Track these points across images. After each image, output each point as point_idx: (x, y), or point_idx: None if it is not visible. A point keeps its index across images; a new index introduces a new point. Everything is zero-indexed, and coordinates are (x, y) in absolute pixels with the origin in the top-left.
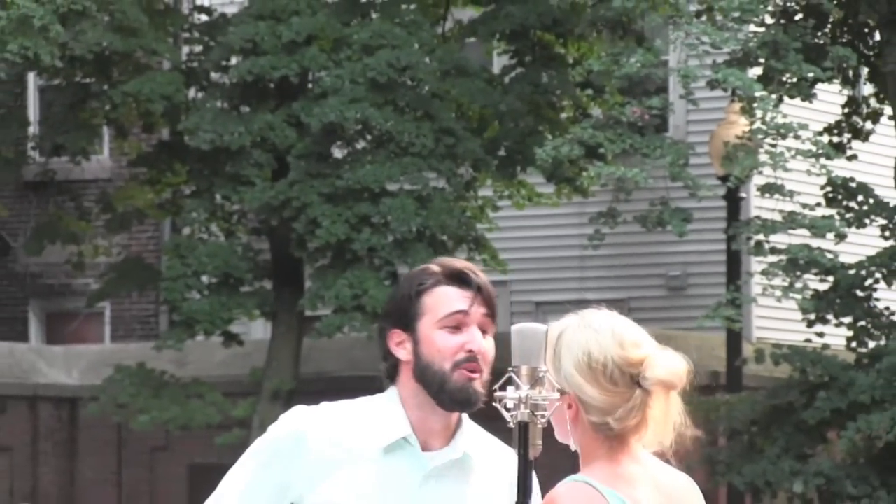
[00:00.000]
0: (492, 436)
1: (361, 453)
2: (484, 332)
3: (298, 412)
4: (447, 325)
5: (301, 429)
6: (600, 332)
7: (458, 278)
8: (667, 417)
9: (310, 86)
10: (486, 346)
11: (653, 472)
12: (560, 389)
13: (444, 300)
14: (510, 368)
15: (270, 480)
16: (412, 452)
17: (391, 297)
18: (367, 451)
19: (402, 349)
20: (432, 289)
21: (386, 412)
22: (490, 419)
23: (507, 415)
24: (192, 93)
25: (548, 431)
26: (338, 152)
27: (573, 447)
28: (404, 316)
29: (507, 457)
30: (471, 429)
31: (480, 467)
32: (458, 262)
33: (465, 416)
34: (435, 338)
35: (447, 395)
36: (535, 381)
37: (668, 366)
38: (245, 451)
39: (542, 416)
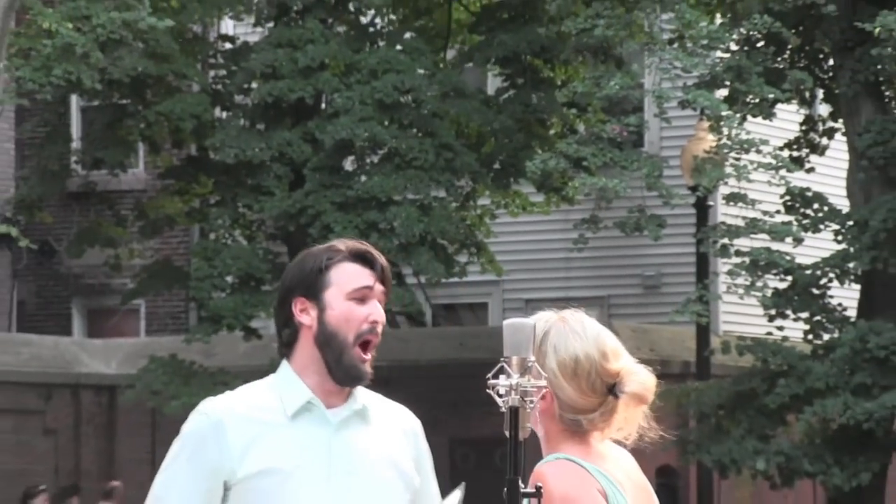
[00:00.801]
0: (373, 392)
1: (274, 423)
2: (383, 307)
3: (209, 404)
4: (354, 297)
5: (215, 418)
6: (587, 341)
7: (363, 258)
8: (632, 423)
9: (323, 106)
10: (384, 318)
11: (609, 449)
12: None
13: (352, 275)
14: (502, 358)
15: (203, 467)
16: (318, 412)
17: (296, 269)
18: (278, 420)
19: (305, 315)
20: (339, 264)
21: (285, 384)
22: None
23: (499, 400)
24: (217, 112)
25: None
26: (349, 165)
27: (539, 432)
28: (311, 286)
29: (396, 408)
30: (362, 388)
31: (377, 417)
32: (361, 243)
33: None
34: (343, 307)
35: (343, 368)
36: (525, 370)
37: (642, 381)
38: (168, 453)
39: (531, 402)
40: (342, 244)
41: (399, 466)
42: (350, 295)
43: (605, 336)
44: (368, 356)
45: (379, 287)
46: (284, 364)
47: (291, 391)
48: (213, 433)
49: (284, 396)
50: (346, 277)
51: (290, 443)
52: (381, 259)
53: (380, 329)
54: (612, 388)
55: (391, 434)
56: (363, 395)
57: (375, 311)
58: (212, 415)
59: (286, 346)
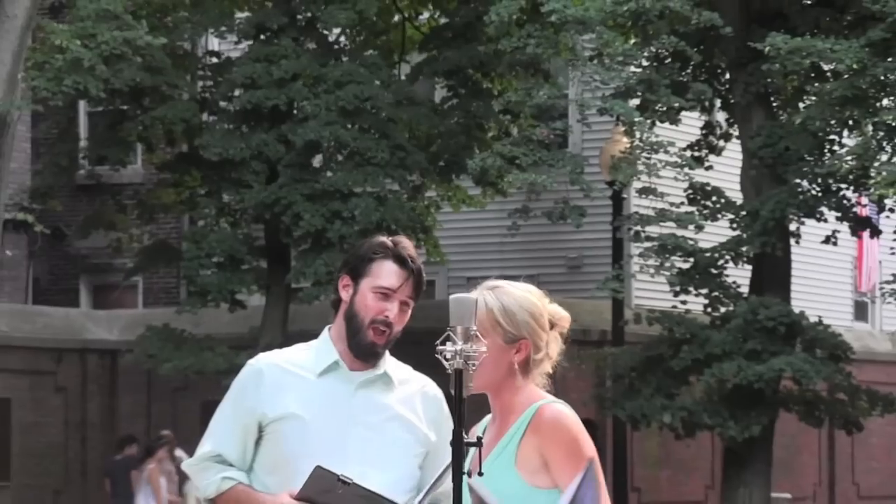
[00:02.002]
0: (403, 363)
1: (304, 376)
2: (405, 306)
3: (257, 357)
4: (379, 291)
5: (258, 367)
6: (531, 292)
7: (401, 260)
8: (556, 355)
9: (295, 112)
10: (399, 317)
11: None
12: (514, 338)
13: (385, 272)
14: (448, 328)
15: (242, 407)
16: (343, 372)
17: (353, 251)
18: (308, 375)
19: (345, 291)
20: (381, 260)
21: (320, 347)
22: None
23: (446, 364)
24: (204, 117)
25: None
26: (316, 163)
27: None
28: (355, 270)
29: (420, 377)
30: (389, 357)
31: (398, 382)
32: (409, 247)
33: None
34: (367, 297)
35: (356, 343)
36: (468, 337)
37: (563, 313)
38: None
39: (473, 364)
40: (392, 242)
41: (414, 424)
42: (376, 289)
43: (536, 290)
44: (382, 340)
45: (405, 290)
46: (325, 330)
47: (323, 352)
48: (253, 380)
49: (317, 356)
50: (380, 273)
51: (315, 395)
52: (417, 264)
53: (394, 324)
54: (552, 324)
55: (411, 397)
56: (389, 363)
57: (391, 309)
58: (255, 365)
59: (333, 309)
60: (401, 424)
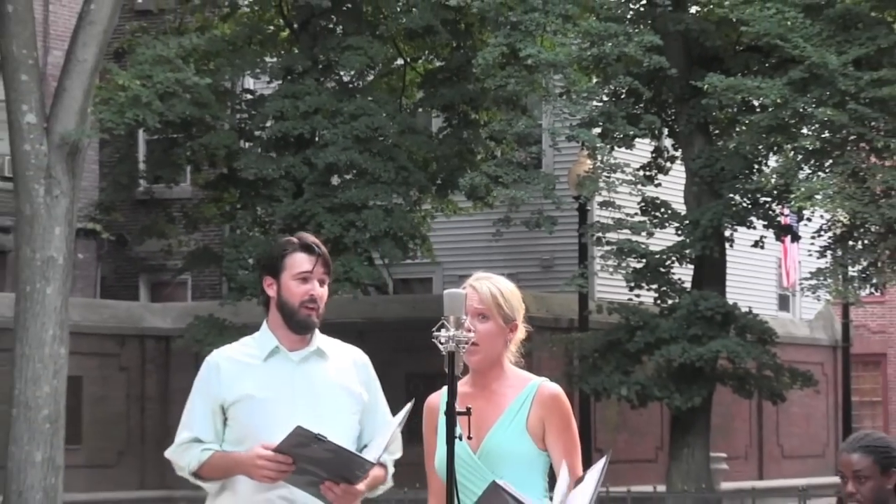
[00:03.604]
0: (335, 339)
1: (252, 363)
2: (322, 282)
3: (211, 354)
4: (298, 278)
5: (215, 361)
6: (514, 285)
7: (307, 248)
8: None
9: (317, 139)
10: (321, 292)
11: None
12: (510, 319)
13: (298, 261)
14: (442, 318)
15: (208, 395)
16: (283, 354)
17: (266, 255)
18: (255, 361)
19: (270, 289)
20: (291, 253)
21: (261, 337)
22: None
23: (441, 347)
24: (242, 143)
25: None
26: (335, 181)
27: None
28: (273, 269)
29: (348, 347)
30: (318, 333)
31: (332, 354)
32: (310, 236)
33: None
34: (290, 285)
35: (295, 322)
36: (459, 325)
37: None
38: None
39: (463, 348)
40: (296, 237)
41: (349, 388)
42: (295, 277)
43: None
44: (314, 314)
45: (319, 269)
46: (264, 323)
47: (265, 341)
48: (213, 373)
49: (260, 345)
50: (294, 264)
51: (264, 377)
52: (322, 249)
53: (318, 299)
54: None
55: (343, 365)
56: (320, 340)
57: (312, 288)
58: (211, 360)
59: (264, 308)
60: (338, 389)
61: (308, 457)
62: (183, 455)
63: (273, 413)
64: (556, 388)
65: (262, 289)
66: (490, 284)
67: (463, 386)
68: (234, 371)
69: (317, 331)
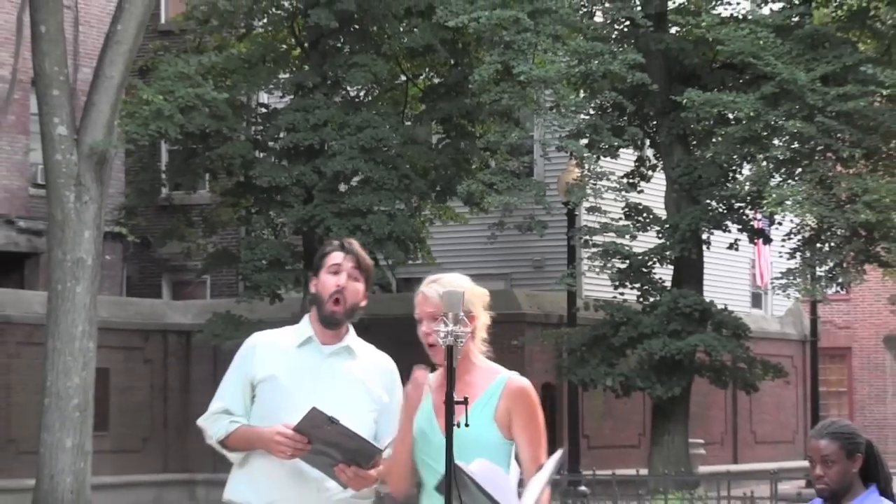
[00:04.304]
0: (369, 343)
1: (286, 348)
2: (355, 279)
3: (252, 335)
4: (330, 271)
5: (253, 342)
6: (463, 280)
7: (342, 246)
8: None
9: (326, 150)
10: (348, 284)
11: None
12: (471, 314)
13: (332, 258)
14: (441, 314)
15: (241, 371)
16: (315, 345)
17: (315, 257)
18: (289, 347)
19: (314, 287)
20: (329, 253)
21: (300, 327)
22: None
23: (440, 341)
24: (256, 153)
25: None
26: (342, 188)
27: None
28: (317, 268)
29: (379, 353)
30: (354, 334)
31: (360, 354)
32: (349, 239)
33: (351, 327)
34: (324, 279)
35: (322, 315)
36: (457, 321)
37: (486, 292)
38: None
39: (461, 342)
40: (337, 239)
41: (370, 388)
42: (327, 270)
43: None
44: (340, 309)
45: (347, 264)
46: (305, 315)
47: (302, 330)
48: (249, 351)
49: (297, 333)
50: (329, 260)
51: (293, 362)
52: (354, 246)
53: (345, 289)
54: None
55: (369, 366)
56: (353, 340)
57: (341, 278)
58: (251, 341)
59: (311, 304)
60: (359, 386)
61: (323, 439)
62: (213, 424)
63: (293, 396)
64: (523, 382)
65: (310, 288)
66: (438, 287)
67: (437, 379)
68: (268, 353)
69: (352, 330)
